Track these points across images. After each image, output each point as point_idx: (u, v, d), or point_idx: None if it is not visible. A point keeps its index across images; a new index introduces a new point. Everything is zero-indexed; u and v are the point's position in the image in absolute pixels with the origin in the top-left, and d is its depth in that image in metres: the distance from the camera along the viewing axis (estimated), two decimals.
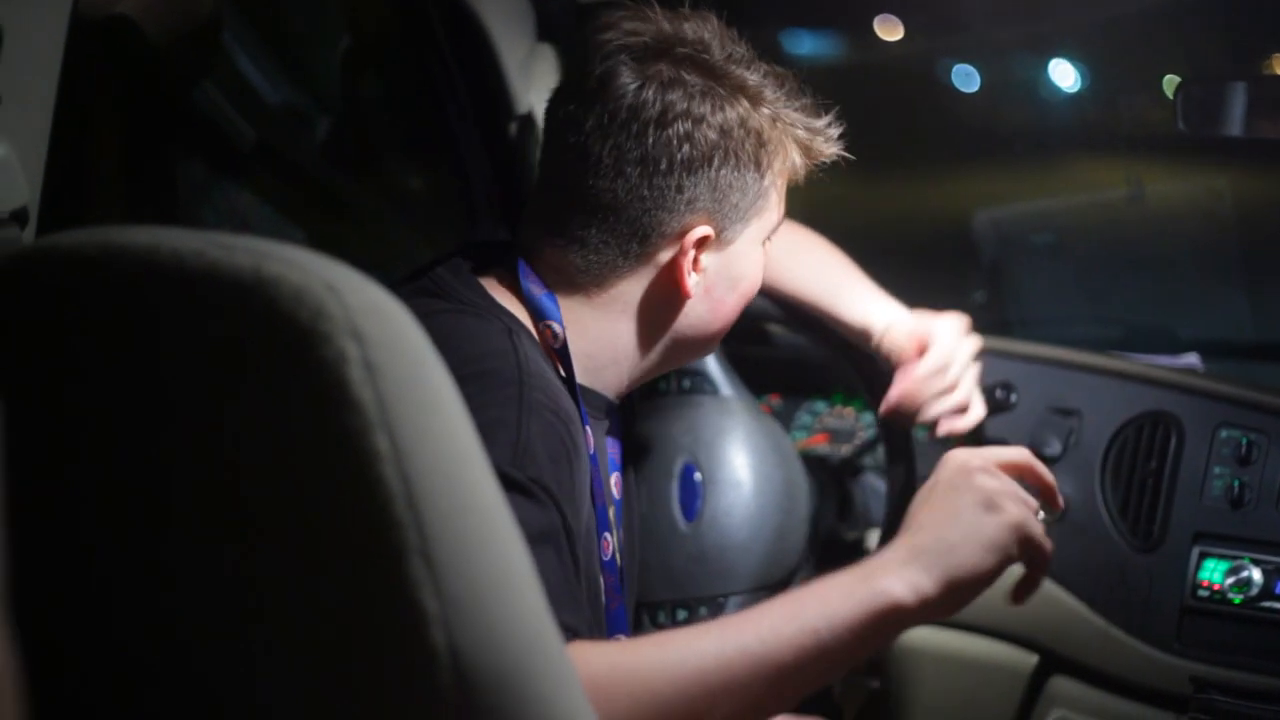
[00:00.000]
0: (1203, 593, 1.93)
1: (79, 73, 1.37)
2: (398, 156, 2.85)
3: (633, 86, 1.49)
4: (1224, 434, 2.00)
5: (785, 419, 2.36)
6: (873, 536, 1.97)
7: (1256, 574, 1.89)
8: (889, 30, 3.16)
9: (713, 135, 1.50)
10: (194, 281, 0.76)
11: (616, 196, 1.50)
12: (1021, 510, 1.35)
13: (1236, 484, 1.95)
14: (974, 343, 1.89)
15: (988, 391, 2.05)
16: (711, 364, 2.04)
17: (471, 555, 0.78)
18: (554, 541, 1.34)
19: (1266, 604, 1.89)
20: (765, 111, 1.53)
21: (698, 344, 1.64)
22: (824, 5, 3.30)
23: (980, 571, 1.30)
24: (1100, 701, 2.05)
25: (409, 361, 0.77)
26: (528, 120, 2.28)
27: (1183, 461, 2.01)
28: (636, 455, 1.94)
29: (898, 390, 1.86)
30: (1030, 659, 2.12)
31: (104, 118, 1.74)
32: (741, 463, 1.96)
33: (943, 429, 1.88)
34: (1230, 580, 1.91)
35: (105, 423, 0.81)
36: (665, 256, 1.54)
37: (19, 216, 1.23)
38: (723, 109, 1.50)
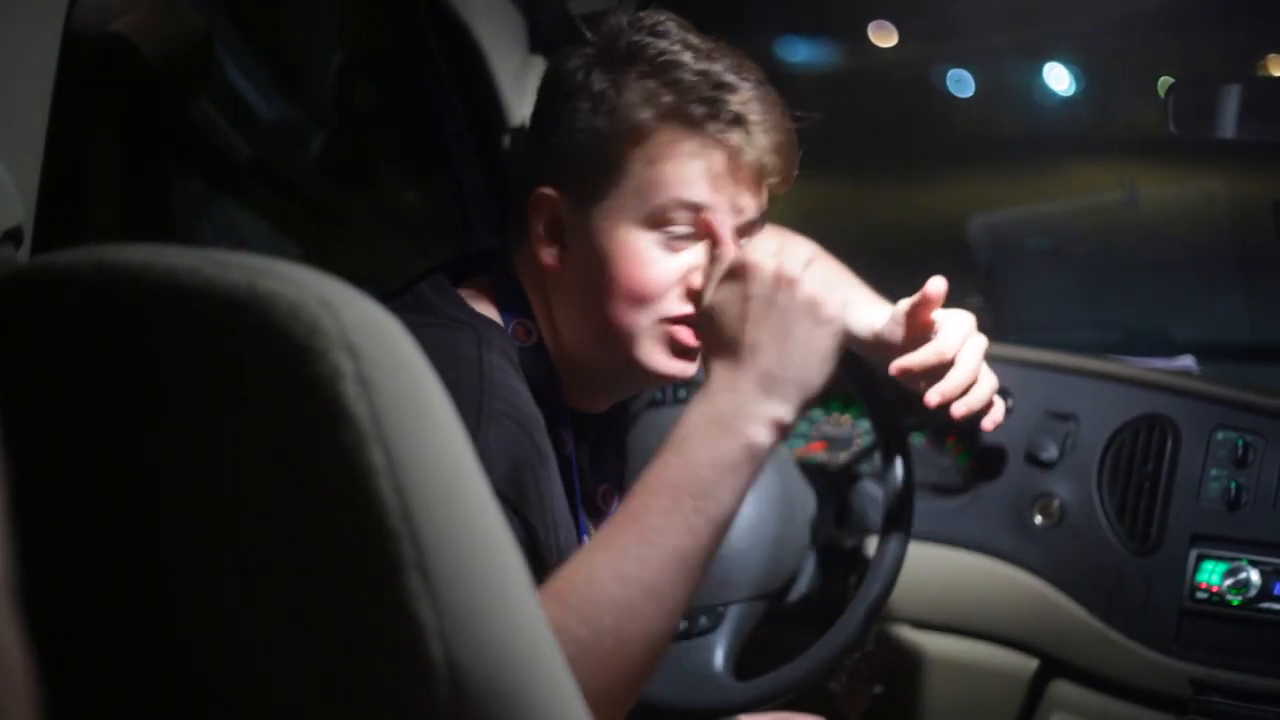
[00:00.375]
0: (1201, 595, 1.93)
1: (74, 91, 1.37)
2: (393, 170, 2.86)
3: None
4: (1220, 436, 2.01)
5: None
6: (871, 543, 1.97)
7: (1254, 575, 1.90)
8: (883, 37, 3.17)
9: (560, 94, 1.49)
10: (189, 299, 0.76)
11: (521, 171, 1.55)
12: (842, 310, 1.34)
13: (1233, 486, 1.96)
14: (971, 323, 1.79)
15: None
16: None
17: (468, 568, 0.78)
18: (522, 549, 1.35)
19: (1265, 605, 1.89)
20: (632, 76, 1.48)
21: (600, 344, 1.54)
22: (818, 13, 3.31)
23: (824, 384, 1.32)
24: (1100, 705, 2.05)
25: (403, 376, 0.78)
26: (521, 132, 2.28)
27: (1179, 464, 2.01)
28: (636, 465, 1.94)
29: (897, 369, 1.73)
30: (1030, 663, 2.12)
31: (99, 136, 1.74)
32: None
33: (958, 411, 1.72)
34: (1228, 582, 1.91)
35: (101, 441, 0.82)
36: (533, 225, 1.53)
37: (13, 236, 1.23)
38: (579, 70, 1.49)
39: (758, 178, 1.51)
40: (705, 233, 1.49)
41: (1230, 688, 1.90)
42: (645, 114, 1.47)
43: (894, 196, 3.25)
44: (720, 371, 1.32)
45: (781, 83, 1.57)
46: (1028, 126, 3.30)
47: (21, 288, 0.83)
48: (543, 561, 1.37)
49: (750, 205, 1.52)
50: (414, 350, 0.80)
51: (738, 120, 1.47)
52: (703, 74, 1.47)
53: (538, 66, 2.32)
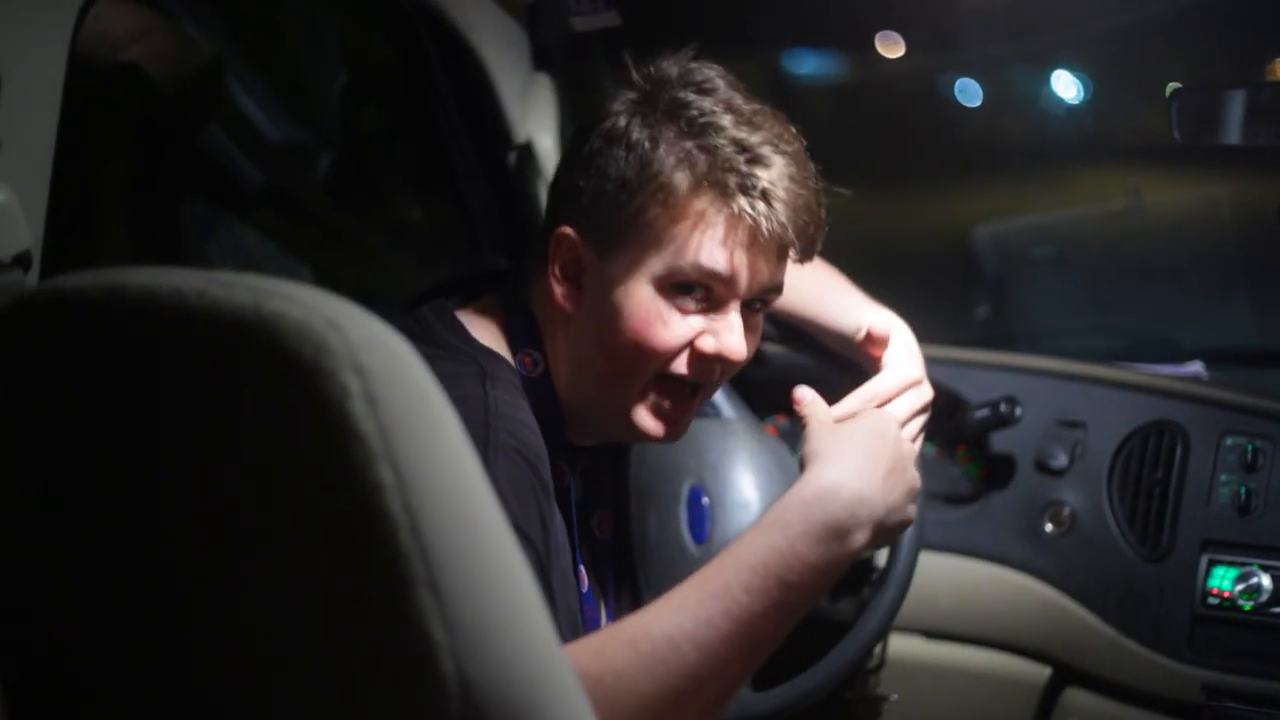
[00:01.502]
0: (1213, 600, 1.93)
1: (82, 116, 1.38)
2: (398, 189, 2.86)
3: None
4: (1229, 441, 2.01)
5: (792, 439, 2.36)
6: (881, 553, 1.96)
7: (1266, 580, 1.89)
8: (890, 48, 3.16)
9: (597, 142, 1.47)
10: (196, 320, 0.77)
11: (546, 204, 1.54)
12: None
13: (1243, 491, 1.95)
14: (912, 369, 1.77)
15: (993, 405, 2.06)
16: None
17: (478, 584, 0.78)
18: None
19: (1277, 610, 1.89)
20: (669, 135, 1.47)
21: (600, 390, 1.55)
22: (825, 25, 3.31)
23: (901, 525, 1.43)
24: (1114, 712, 2.04)
25: (411, 394, 0.78)
26: (526, 150, 2.29)
27: (1189, 470, 2.01)
28: (643, 481, 1.94)
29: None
30: (1043, 671, 2.12)
31: (108, 160, 1.75)
32: (748, 483, 1.95)
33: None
34: (1240, 587, 1.91)
35: (110, 462, 0.82)
36: (551, 265, 1.52)
37: (22, 260, 1.24)
38: (619, 117, 1.48)
39: (780, 251, 1.51)
40: None
41: (1243, 693, 1.90)
42: (678, 175, 1.46)
43: (902, 207, 3.25)
44: (847, 480, 1.38)
45: (789, 96, 1.56)
46: (1035, 135, 3.29)
47: (31, 311, 0.84)
48: (550, 595, 1.37)
49: (769, 275, 1.51)
50: (421, 368, 0.80)
51: (766, 196, 1.46)
52: (740, 143, 1.46)
53: (542, 84, 2.32)
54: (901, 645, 2.17)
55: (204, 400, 0.79)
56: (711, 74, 1.51)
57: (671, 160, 1.45)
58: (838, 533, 1.34)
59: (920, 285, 1.98)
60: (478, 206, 2.32)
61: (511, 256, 2.29)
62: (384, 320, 0.80)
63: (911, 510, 1.44)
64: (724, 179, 1.45)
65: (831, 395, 2.32)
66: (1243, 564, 1.92)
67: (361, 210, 2.73)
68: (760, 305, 1.55)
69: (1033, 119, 3.29)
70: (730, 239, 1.47)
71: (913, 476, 1.45)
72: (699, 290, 1.49)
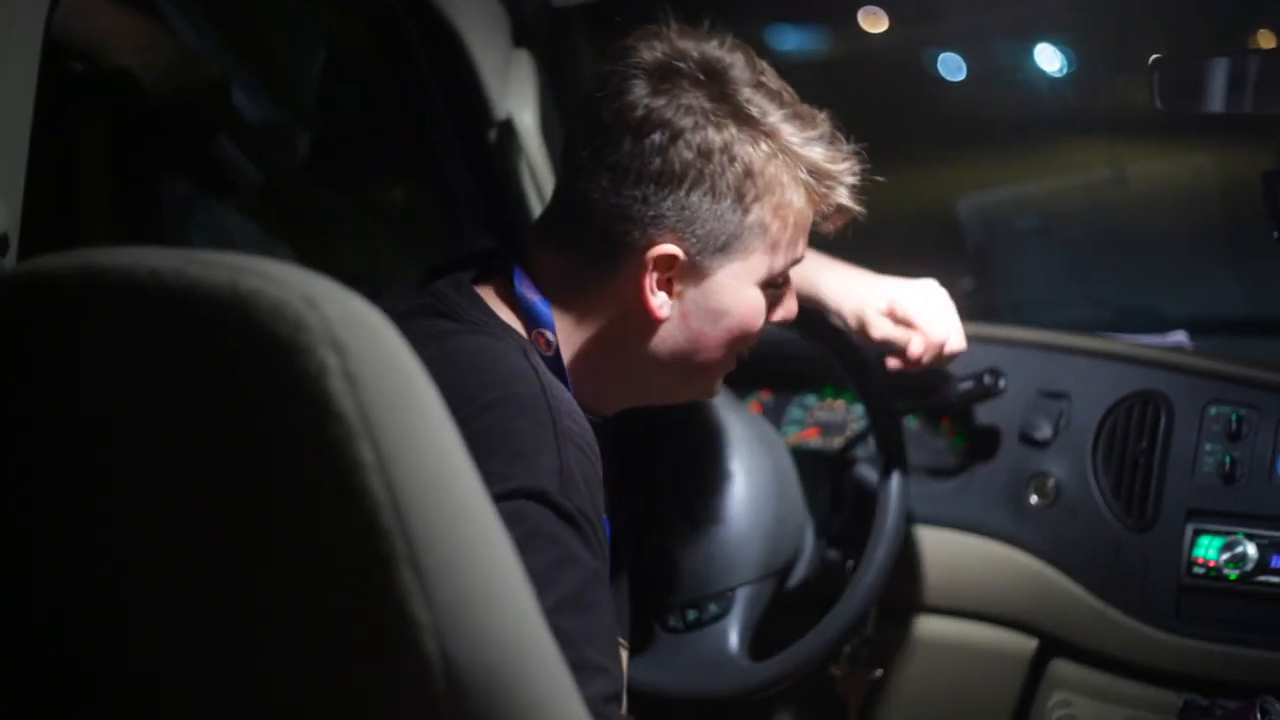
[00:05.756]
0: (1198, 570, 1.93)
1: (59, 98, 1.37)
2: (380, 169, 2.85)
3: (628, 96, 1.48)
4: (1214, 410, 2.01)
5: (776, 414, 2.37)
6: (867, 526, 1.97)
7: (1251, 549, 1.90)
8: (873, 22, 3.16)
9: (688, 154, 1.47)
10: (174, 300, 0.76)
11: (590, 201, 1.50)
12: None
13: (1228, 460, 1.96)
14: (947, 307, 1.92)
15: (976, 378, 2.06)
16: None
17: (461, 562, 0.78)
18: (603, 581, 1.36)
19: (1262, 578, 1.89)
20: (764, 146, 1.50)
21: (682, 375, 1.61)
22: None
23: None
24: (1101, 683, 2.05)
25: (390, 371, 0.78)
26: (507, 127, 2.28)
27: (1173, 439, 2.01)
28: (624, 464, 1.94)
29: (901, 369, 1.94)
30: (1030, 643, 2.12)
31: (89, 143, 1.74)
32: (730, 456, 1.96)
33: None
34: (1225, 556, 1.91)
35: (89, 444, 0.82)
36: (632, 270, 1.52)
37: (0, 242, 1.23)
38: (706, 129, 1.47)
39: None
40: None
41: (1230, 662, 1.91)
42: (792, 194, 1.53)
43: (885, 181, 3.24)
44: None
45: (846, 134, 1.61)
46: (1019, 108, 3.29)
47: (8, 293, 0.83)
48: (603, 584, 1.38)
49: None
50: (401, 344, 0.80)
51: (853, 191, 1.59)
52: (828, 159, 1.55)
53: (522, 61, 2.31)
54: (887, 619, 2.17)
55: (183, 379, 0.78)
56: (763, 65, 1.56)
57: (786, 178, 1.52)
58: None
59: (904, 258, 1.98)
60: (459, 185, 2.32)
61: (494, 235, 2.29)
62: (370, 299, 0.80)
63: None
64: (832, 191, 1.56)
65: (820, 373, 2.33)
66: (1228, 533, 1.93)
67: (343, 191, 2.72)
68: None
69: (1016, 92, 3.29)
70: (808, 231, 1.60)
71: None
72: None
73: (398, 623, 0.75)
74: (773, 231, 1.53)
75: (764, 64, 1.56)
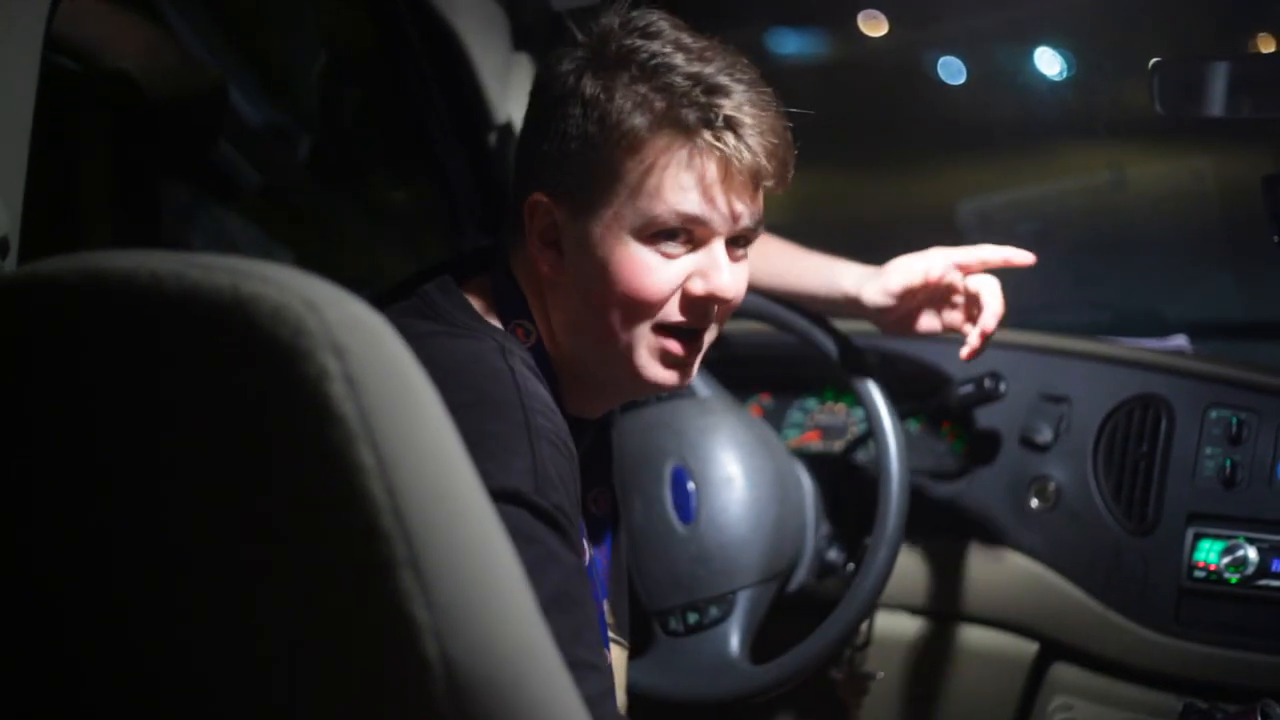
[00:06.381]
0: (1199, 573, 1.93)
1: (63, 103, 1.37)
2: (381, 171, 2.86)
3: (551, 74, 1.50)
4: (1214, 414, 2.01)
5: (777, 418, 2.37)
6: (868, 530, 1.97)
7: (1252, 553, 1.90)
8: (873, 26, 3.16)
9: (545, 101, 1.48)
10: (173, 304, 0.76)
11: (511, 176, 1.53)
12: None
13: (1228, 463, 1.96)
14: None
15: (977, 381, 2.06)
16: None
17: (461, 564, 0.78)
18: (584, 577, 1.36)
19: (1263, 582, 1.89)
20: (623, 78, 1.46)
21: (598, 351, 1.56)
22: (808, 3, 3.30)
23: None
24: (1102, 686, 2.05)
25: (391, 374, 0.78)
26: (506, 129, 2.28)
27: (1174, 443, 2.01)
28: (625, 465, 1.94)
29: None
30: (1031, 647, 2.12)
31: (90, 146, 1.74)
32: (730, 459, 1.96)
33: (973, 341, 1.86)
34: (1226, 560, 1.91)
35: (90, 446, 0.82)
36: (524, 231, 1.53)
37: (0, 247, 1.23)
38: (567, 78, 1.47)
39: (753, 182, 1.50)
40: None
41: (1230, 666, 1.90)
42: (638, 120, 1.45)
43: (886, 185, 3.25)
44: None
45: (772, 75, 1.55)
46: (1019, 111, 3.29)
47: (9, 296, 0.83)
48: (584, 580, 1.38)
49: (746, 211, 1.51)
50: (401, 348, 0.80)
51: (730, 125, 1.46)
52: (695, 77, 1.45)
53: (522, 64, 2.32)
54: (888, 622, 2.18)
55: (183, 383, 0.78)
56: (654, 17, 1.51)
57: (628, 106, 1.45)
58: None
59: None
60: (459, 187, 2.32)
61: (493, 237, 2.30)
62: (368, 302, 0.80)
63: None
64: (684, 115, 1.45)
65: (819, 376, 2.34)
66: (1228, 537, 1.93)
67: (343, 192, 2.73)
68: (744, 240, 1.56)
69: (1016, 95, 3.28)
70: (702, 177, 1.47)
71: None
72: (680, 234, 1.49)
73: (398, 624, 0.75)
74: (632, 174, 1.47)
75: (674, 20, 1.52)
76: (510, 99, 2.27)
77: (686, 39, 1.50)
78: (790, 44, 3.43)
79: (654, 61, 1.46)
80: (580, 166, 1.47)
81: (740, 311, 1.94)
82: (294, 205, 2.56)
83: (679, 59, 1.46)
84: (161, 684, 0.84)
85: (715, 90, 1.46)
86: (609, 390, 1.65)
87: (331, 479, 0.75)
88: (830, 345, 1.95)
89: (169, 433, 0.79)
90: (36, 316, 0.82)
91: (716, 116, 1.45)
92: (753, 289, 1.90)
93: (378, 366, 0.76)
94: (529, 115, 1.56)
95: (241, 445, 0.77)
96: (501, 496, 1.30)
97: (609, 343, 1.53)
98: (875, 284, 1.86)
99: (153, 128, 1.78)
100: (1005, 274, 1.88)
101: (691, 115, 1.45)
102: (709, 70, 1.46)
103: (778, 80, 1.55)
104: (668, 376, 1.56)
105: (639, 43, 1.47)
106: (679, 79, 1.45)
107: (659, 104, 1.45)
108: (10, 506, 0.85)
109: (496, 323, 1.55)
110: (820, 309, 1.95)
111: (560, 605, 1.30)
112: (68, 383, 0.82)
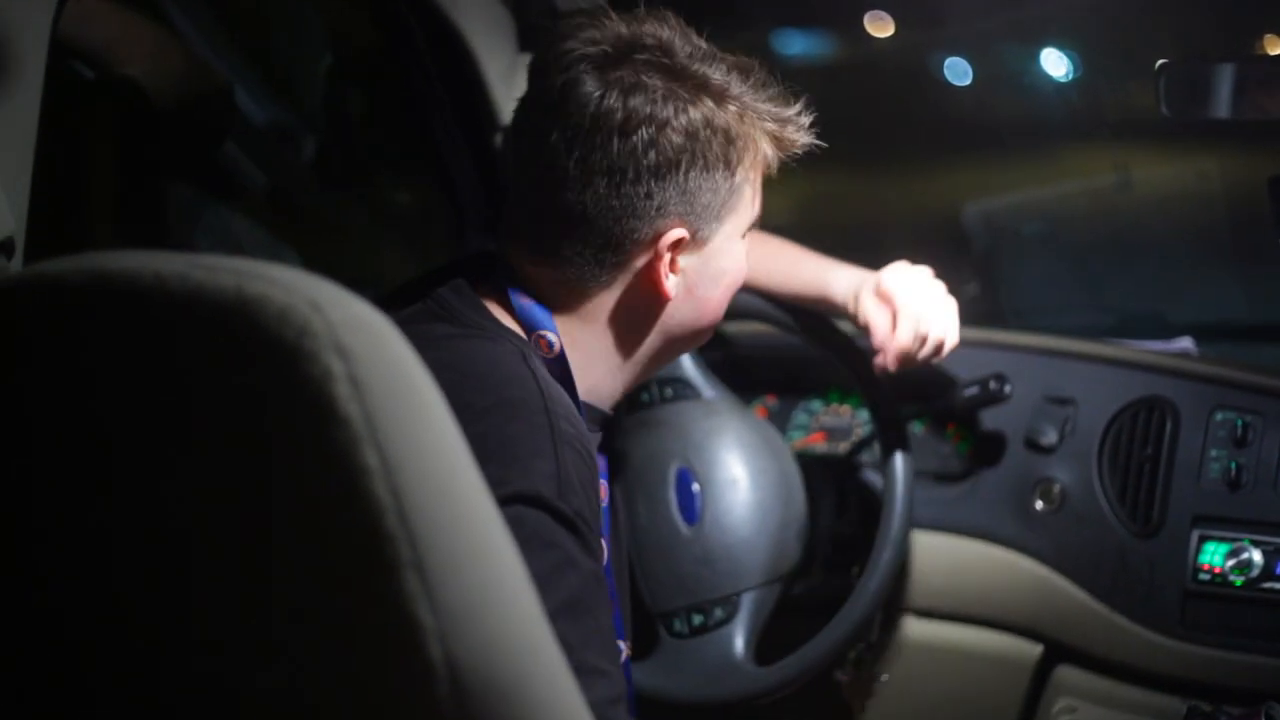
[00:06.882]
0: (1204, 576, 1.93)
1: (68, 104, 1.37)
2: (386, 173, 2.86)
3: (595, 95, 1.46)
4: (1219, 416, 2.01)
5: (781, 419, 2.37)
6: (872, 532, 1.97)
7: (1257, 555, 1.89)
8: (879, 27, 3.16)
9: (678, 139, 1.47)
10: (178, 304, 0.76)
11: (586, 209, 1.49)
12: None
13: (1234, 466, 1.95)
14: (931, 287, 1.90)
15: (982, 383, 2.06)
16: (690, 369, 2.05)
17: (465, 566, 0.78)
18: (601, 583, 1.36)
19: (1268, 585, 1.89)
20: (731, 108, 1.51)
21: (687, 340, 1.64)
22: (814, 4, 3.30)
23: None
24: (1106, 689, 2.05)
25: (395, 375, 0.78)
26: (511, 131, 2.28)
27: (1179, 446, 2.01)
28: (629, 467, 1.94)
29: (886, 362, 1.89)
30: (1035, 649, 2.12)
31: (95, 147, 1.75)
32: (734, 460, 1.96)
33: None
34: (1231, 563, 1.91)
35: (94, 446, 0.82)
36: (641, 262, 1.53)
37: (5, 247, 1.23)
38: (686, 111, 1.48)
39: None
40: None
41: (1235, 668, 1.90)
42: (764, 147, 1.56)
43: (891, 186, 3.25)
44: None
45: (778, 75, 1.58)
46: (1025, 113, 3.29)
47: (14, 296, 0.83)
48: (601, 586, 1.38)
49: None
50: (406, 349, 0.80)
51: (804, 140, 1.61)
52: (782, 104, 1.57)
53: (527, 64, 2.31)
54: (892, 625, 2.17)
55: (187, 384, 0.78)
56: (676, 28, 1.56)
57: (756, 133, 1.55)
58: None
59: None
60: (463, 188, 2.32)
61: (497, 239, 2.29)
62: (372, 303, 0.80)
63: None
64: (798, 133, 1.59)
65: (824, 378, 2.33)
66: (1233, 539, 1.92)
67: (348, 194, 2.73)
68: None
69: (1022, 97, 3.28)
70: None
71: None
72: None
73: (402, 627, 0.75)
74: (754, 186, 1.58)
75: (683, 23, 1.56)
76: (515, 101, 2.27)
77: (731, 57, 1.57)
78: (796, 45, 3.44)
79: (746, 97, 1.54)
80: (719, 193, 1.53)
81: (746, 314, 1.94)
82: (299, 206, 2.57)
83: (773, 98, 1.57)
84: (162, 684, 0.84)
85: (789, 121, 1.58)
86: (645, 377, 1.69)
87: (335, 480, 0.75)
88: (834, 346, 1.95)
89: (172, 433, 0.79)
90: (41, 317, 0.82)
91: (797, 137, 1.59)
92: (753, 289, 1.92)
93: (382, 368, 0.76)
94: (640, 153, 1.49)
95: (245, 446, 0.77)
96: (523, 499, 1.31)
97: (708, 329, 1.65)
98: (857, 303, 1.93)
99: (158, 128, 1.78)
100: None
101: (796, 143, 1.60)
102: (795, 109, 1.59)
103: (784, 81, 1.57)
104: None
105: (728, 74, 1.53)
106: (781, 110, 1.57)
107: (770, 127, 1.56)
108: (12, 506, 0.85)
109: (516, 329, 1.54)
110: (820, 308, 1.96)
111: (574, 611, 1.30)
112: (71, 383, 0.82)
